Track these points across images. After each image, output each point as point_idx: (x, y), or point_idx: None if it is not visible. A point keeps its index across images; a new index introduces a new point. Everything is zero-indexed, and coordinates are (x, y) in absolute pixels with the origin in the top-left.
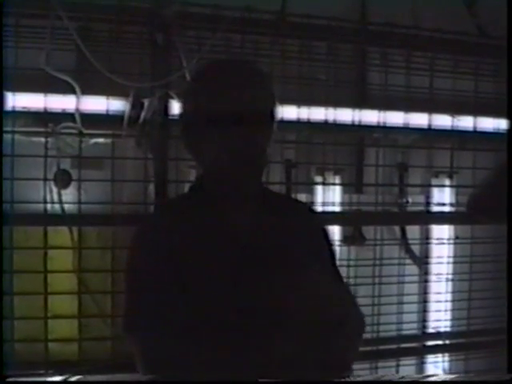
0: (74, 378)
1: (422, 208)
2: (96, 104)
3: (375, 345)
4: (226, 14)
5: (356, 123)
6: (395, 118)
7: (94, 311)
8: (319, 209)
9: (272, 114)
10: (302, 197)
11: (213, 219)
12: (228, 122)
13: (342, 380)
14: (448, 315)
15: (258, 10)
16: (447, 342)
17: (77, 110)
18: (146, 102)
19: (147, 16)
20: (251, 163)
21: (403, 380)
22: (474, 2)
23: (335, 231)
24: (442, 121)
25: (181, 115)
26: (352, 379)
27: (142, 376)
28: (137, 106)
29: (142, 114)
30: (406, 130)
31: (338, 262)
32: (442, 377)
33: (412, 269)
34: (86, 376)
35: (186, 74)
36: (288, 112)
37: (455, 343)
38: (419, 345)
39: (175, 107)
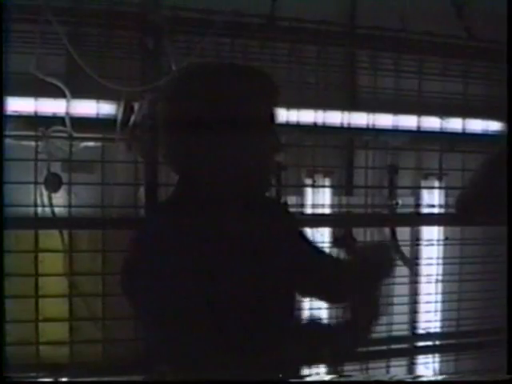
0: (73, 379)
1: (411, 210)
2: (86, 108)
3: (366, 346)
4: (216, 18)
5: (346, 126)
6: (385, 120)
7: (86, 314)
8: (309, 211)
9: (270, 120)
10: (292, 199)
11: (203, 224)
12: (216, 128)
13: (342, 380)
14: (438, 316)
15: (247, 13)
16: (437, 343)
17: (67, 113)
18: (136, 106)
19: (137, 20)
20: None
21: (403, 380)
22: (463, 5)
23: (325, 233)
24: (431, 123)
25: (163, 120)
26: (352, 379)
27: (141, 376)
28: (127, 109)
29: (132, 118)
30: (395, 132)
31: None
32: (442, 377)
33: (402, 270)
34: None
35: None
36: (280, 115)
37: (445, 344)
38: (409, 346)
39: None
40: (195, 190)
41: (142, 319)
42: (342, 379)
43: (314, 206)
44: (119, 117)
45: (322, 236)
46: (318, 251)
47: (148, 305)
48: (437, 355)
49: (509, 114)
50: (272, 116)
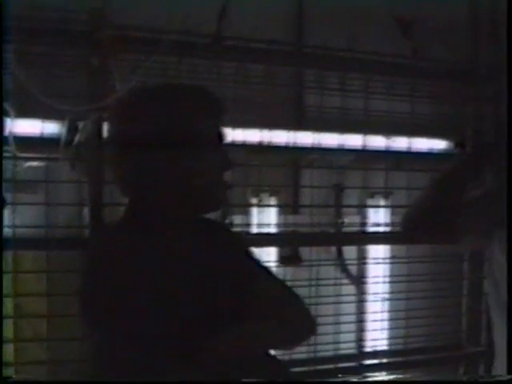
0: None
1: (358, 228)
2: (30, 127)
3: (313, 365)
4: (162, 37)
5: (292, 145)
6: (331, 139)
7: (31, 335)
8: (255, 230)
9: (218, 138)
10: (238, 218)
11: (154, 245)
12: (165, 148)
13: (342, 380)
14: (386, 334)
15: (194, 33)
16: (385, 360)
17: (10, 133)
18: (81, 125)
19: (83, 39)
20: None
21: (403, 380)
22: (410, 25)
23: (272, 252)
24: (378, 142)
25: (113, 140)
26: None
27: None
28: (71, 129)
29: (77, 137)
30: (341, 151)
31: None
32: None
33: (349, 288)
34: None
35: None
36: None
37: (393, 362)
38: (357, 364)
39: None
40: (146, 211)
41: (98, 339)
42: (342, 379)
43: (259, 225)
44: (63, 136)
45: (268, 255)
46: (264, 272)
47: (107, 326)
48: (385, 373)
49: (509, 115)
50: (220, 134)
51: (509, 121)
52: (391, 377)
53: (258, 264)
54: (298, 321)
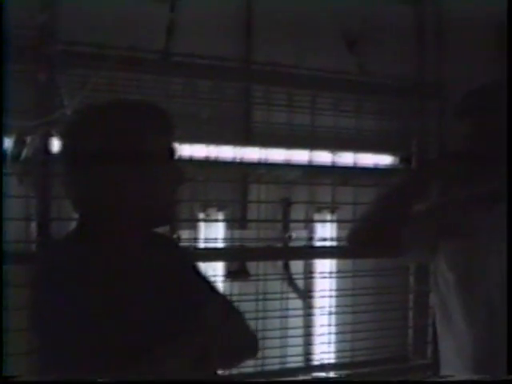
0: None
1: (305, 243)
2: None
3: (261, 378)
4: (110, 53)
5: (239, 160)
6: (278, 154)
7: None
8: (203, 245)
9: (169, 153)
10: (186, 233)
11: (104, 260)
12: (116, 164)
13: (342, 380)
14: (332, 347)
15: (142, 49)
16: (332, 374)
17: None
18: (28, 140)
19: (30, 53)
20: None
21: (402, 380)
22: (356, 41)
23: (219, 267)
24: (324, 157)
25: (64, 155)
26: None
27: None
28: (19, 143)
29: (24, 152)
30: (289, 166)
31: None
32: (440, 377)
33: (296, 302)
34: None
35: (68, 113)
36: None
37: (340, 375)
38: (304, 377)
39: (57, 145)
40: (97, 226)
41: (48, 352)
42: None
43: (207, 239)
44: (10, 151)
45: (215, 270)
46: (210, 289)
47: (56, 339)
48: None
49: (509, 118)
50: (171, 150)
51: (509, 122)
52: None
53: (204, 280)
54: (242, 339)
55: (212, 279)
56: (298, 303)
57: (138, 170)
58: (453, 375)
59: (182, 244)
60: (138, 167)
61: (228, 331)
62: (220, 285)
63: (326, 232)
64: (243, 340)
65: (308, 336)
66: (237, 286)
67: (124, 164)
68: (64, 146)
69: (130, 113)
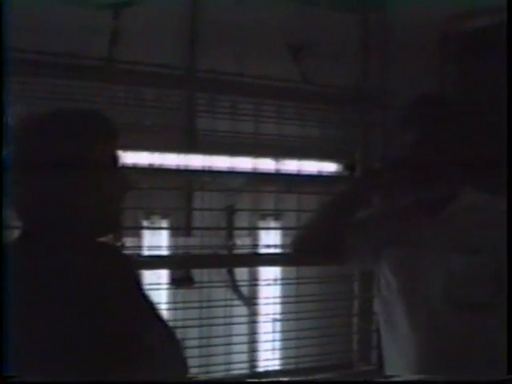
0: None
1: (249, 250)
2: None
3: None
4: (53, 60)
5: (184, 168)
6: (222, 162)
7: None
8: (147, 253)
9: (113, 161)
10: (130, 241)
11: (46, 268)
12: (60, 173)
13: (342, 380)
14: (277, 354)
15: (85, 56)
16: (277, 380)
17: None
18: None
19: None
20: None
21: (402, 380)
22: (299, 49)
23: (164, 274)
24: (268, 165)
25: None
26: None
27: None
28: None
29: None
30: (233, 173)
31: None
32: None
33: (240, 310)
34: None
35: (9, 121)
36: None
37: (285, 381)
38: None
39: None
40: (40, 235)
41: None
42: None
43: (151, 247)
44: None
45: (159, 278)
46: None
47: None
48: None
49: (508, 115)
50: (115, 157)
51: (509, 122)
52: None
53: (144, 296)
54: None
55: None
56: (243, 310)
57: (81, 178)
58: (398, 375)
59: (125, 252)
60: (82, 175)
61: (164, 352)
62: (164, 293)
63: (270, 239)
64: (175, 357)
65: (253, 343)
66: (181, 294)
67: (67, 172)
68: (6, 154)
69: (72, 121)
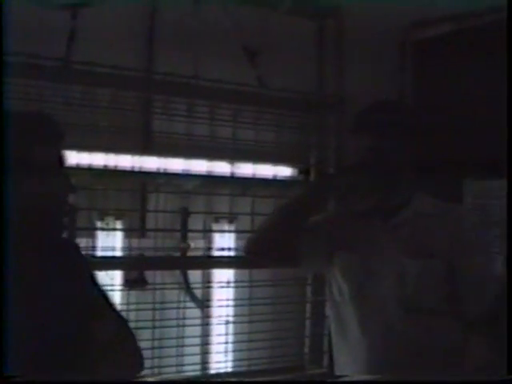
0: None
1: (203, 252)
2: None
3: None
4: (8, 60)
5: (139, 169)
6: (177, 164)
7: None
8: (101, 254)
9: (58, 163)
10: (83, 241)
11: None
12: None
13: (342, 380)
14: (229, 356)
15: (41, 56)
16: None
17: None
18: None
19: None
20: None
21: (402, 380)
22: (256, 53)
23: (117, 276)
24: (223, 168)
25: None
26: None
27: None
28: None
29: None
30: (187, 176)
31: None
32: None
33: (193, 312)
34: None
35: None
36: (69, 158)
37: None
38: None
39: None
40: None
41: None
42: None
43: (105, 248)
44: None
45: (112, 279)
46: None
47: None
48: None
49: (509, 114)
50: (61, 159)
51: (508, 120)
52: None
53: (100, 292)
54: (129, 355)
55: (107, 291)
56: (196, 312)
57: (26, 180)
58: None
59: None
60: (26, 178)
61: (117, 346)
62: (117, 294)
63: (224, 242)
64: (130, 356)
65: (205, 345)
66: (134, 295)
67: (13, 175)
68: None
69: (14, 122)
